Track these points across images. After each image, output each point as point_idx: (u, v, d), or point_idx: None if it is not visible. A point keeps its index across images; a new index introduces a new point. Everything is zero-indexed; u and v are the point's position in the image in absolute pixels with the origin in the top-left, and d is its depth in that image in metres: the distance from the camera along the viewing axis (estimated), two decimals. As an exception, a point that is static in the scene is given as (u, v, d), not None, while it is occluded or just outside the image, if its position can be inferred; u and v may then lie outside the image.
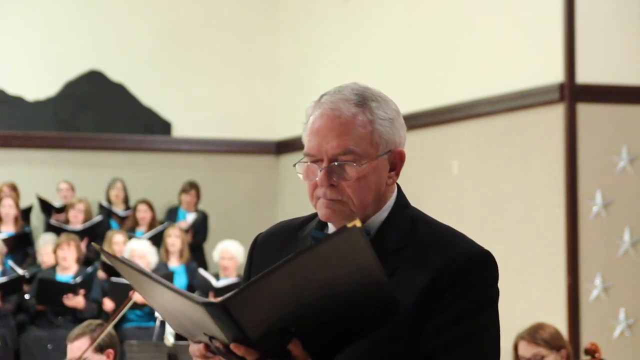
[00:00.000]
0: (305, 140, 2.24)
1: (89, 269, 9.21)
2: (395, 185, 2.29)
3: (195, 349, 2.08)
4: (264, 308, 1.93)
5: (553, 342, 4.53)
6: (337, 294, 1.96)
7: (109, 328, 4.57)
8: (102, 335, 4.57)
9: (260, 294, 1.91)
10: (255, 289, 1.90)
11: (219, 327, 1.93)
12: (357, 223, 1.89)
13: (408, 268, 2.15)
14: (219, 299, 1.92)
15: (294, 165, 2.26)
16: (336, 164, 2.18)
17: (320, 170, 2.19)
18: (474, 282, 2.16)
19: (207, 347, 2.05)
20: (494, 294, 2.22)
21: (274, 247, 2.34)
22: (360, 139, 2.18)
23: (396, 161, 2.25)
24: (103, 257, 9.25)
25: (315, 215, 2.34)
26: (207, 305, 1.90)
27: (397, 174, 2.26)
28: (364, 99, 2.22)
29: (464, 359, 2.13)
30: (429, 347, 2.12)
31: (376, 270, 1.97)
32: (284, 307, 1.94)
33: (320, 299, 1.95)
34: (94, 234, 10.15)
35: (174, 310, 2.07)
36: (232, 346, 1.95)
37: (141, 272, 2.04)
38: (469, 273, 2.16)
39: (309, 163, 2.22)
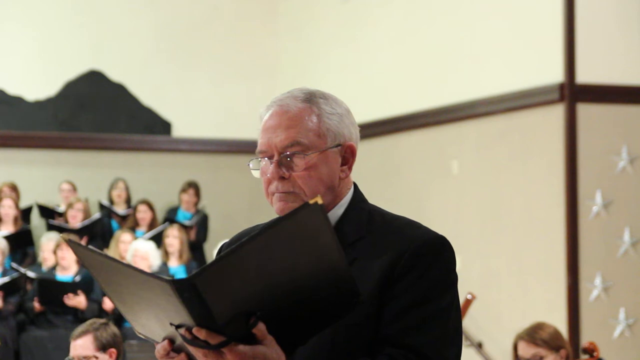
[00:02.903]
0: (258, 141, 2.31)
1: (90, 269, 9.19)
2: (352, 182, 2.35)
3: (159, 347, 2.09)
4: (230, 287, 1.93)
5: (552, 342, 4.53)
6: (300, 277, 1.98)
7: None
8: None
9: (227, 271, 1.91)
10: (222, 266, 1.91)
11: (186, 309, 1.92)
12: (319, 200, 1.92)
13: (366, 258, 2.20)
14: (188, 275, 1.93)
15: (249, 163, 2.33)
16: (286, 155, 2.24)
17: (272, 165, 2.26)
18: (431, 266, 2.20)
19: (171, 343, 2.06)
20: (453, 278, 2.25)
21: None
22: (307, 131, 2.26)
23: (347, 155, 2.31)
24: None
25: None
26: (175, 283, 1.89)
27: (350, 168, 2.32)
28: (312, 96, 2.30)
29: (428, 340, 2.16)
30: (391, 331, 2.16)
31: (336, 253, 2.00)
32: (250, 288, 1.95)
33: (284, 281, 1.97)
34: (93, 232, 10.15)
35: (141, 303, 2.05)
36: (194, 330, 1.95)
37: (106, 257, 2.03)
38: (425, 257, 2.20)
39: (263, 161, 2.29)
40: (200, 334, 1.95)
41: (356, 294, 2.06)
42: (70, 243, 2.10)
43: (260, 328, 1.98)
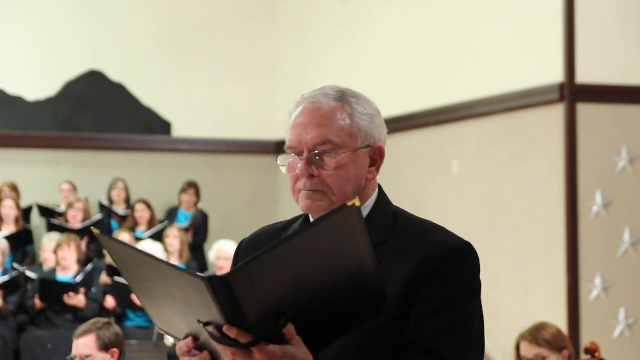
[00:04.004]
0: (287, 137, 2.28)
1: (89, 266, 9.20)
2: (377, 183, 2.33)
3: (182, 344, 2.08)
4: (263, 287, 1.92)
5: (555, 342, 4.53)
6: (331, 278, 1.97)
7: None
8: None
9: (261, 271, 1.91)
10: (257, 266, 1.90)
11: (218, 306, 1.91)
12: (357, 202, 1.91)
13: (391, 261, 2.18)
14: (222, 273, 1.92)
15: (277, 159, 2.30)
16: (316, 153, 2.22)
17: (301, 162, 2.23)
18: (457, 272, 2.19)
19: (195, 340, 2.06)
20: (477, 284, 2.24)
21: (257, 249, 2.35)
22: (339, 130, 2.23)
23: (376, 157, 2.29)
24: (108, 260, 9.26)
25: (298, 217, 2.38)
26: (210, 280, 1.89)
27: (378, 170, 2.30)
28: (344, 95, 2.27)
29: (451, 346, 2.14)
30: (415, 337, 2.14)
31: (369, 255, 1.99)
32: (282, 288, 1.94)
33: (315, 282, 1.96)
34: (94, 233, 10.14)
35: (168, 299, 2.04)
36: (225, 328, 1.94)
37: (138, 251, 2.02)
38: (450, 263, 2.18)
39: (291, 157, 2.26)
40: (231, 332, 1.94)
41: (383, 297, 2.05)
42: (100, 236, 2.10)
43: (290, 328, 1.97)
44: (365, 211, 2.27)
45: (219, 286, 1.89)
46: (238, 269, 1.90)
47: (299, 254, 1.92)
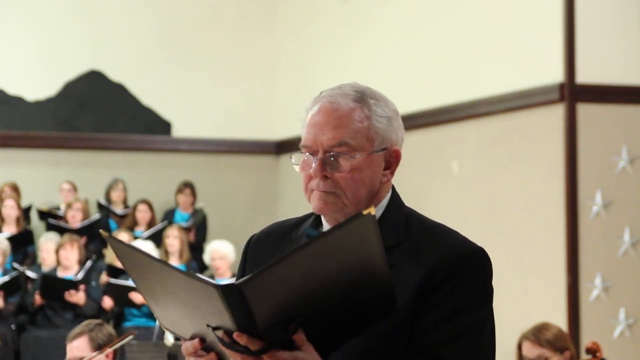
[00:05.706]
0: (302, 134, 2.25)
1: (88, 263, 9.20)
2: (391, 184, 2.31)
3: (189, 344, 2.07)
4: (275, 294, 1.92)
5: (557, 343, 4.52)
6: (342, 284, 1.97)
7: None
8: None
9: (274, 279, 1.90)
10: (269, 274, 1.90)
11: (230, 314, 1.91)
12: (372, 211, 1.90)
13: (403, 264, 2.16)
14: (235, 282, 1.91)
15: (291, 156, 2.27)
16: (331, 155, 2.19)
17: (315, 162, 2.20)
18: (469, 277, 2.18)
19: (202, 342, 2.05)
20: (489, 290, 2.24)
21: (268, 247, 2.35)
22: (356, 133, 2.20)
23: (391, 160, 2.28)
24: (108, 260, 9.26)
25: (309, 215, 2.35)
26: (223, 288, 1.88)
27: (392, 173, 2.29)
28: (363, 95, 2.24)
29: (462, 352, 2.13)
30: (425, 342, 2.13)
31: (381, 261, 1.98)
32: (294, 295, 1.94)
33: (326, 287, 1.96)
34: (93, 232, 10.16)
35: (176, 302, 2.04)
36: (235, 335, 1.93)
37: (151, 257, 2.01)
38: (463, 269, 2.17)
39: (305, 155, 2.23)
40: (242, 339, 1.93)
41: (393, 301, 2.04)
42: (109, 238, 2.08)
43: (300, 334, 1.96)
44: (378, 213, 2.24)
45: (231, 294, 1.89)
46: (251, 278, 1.89)
47: (312, 261, 1.91)
